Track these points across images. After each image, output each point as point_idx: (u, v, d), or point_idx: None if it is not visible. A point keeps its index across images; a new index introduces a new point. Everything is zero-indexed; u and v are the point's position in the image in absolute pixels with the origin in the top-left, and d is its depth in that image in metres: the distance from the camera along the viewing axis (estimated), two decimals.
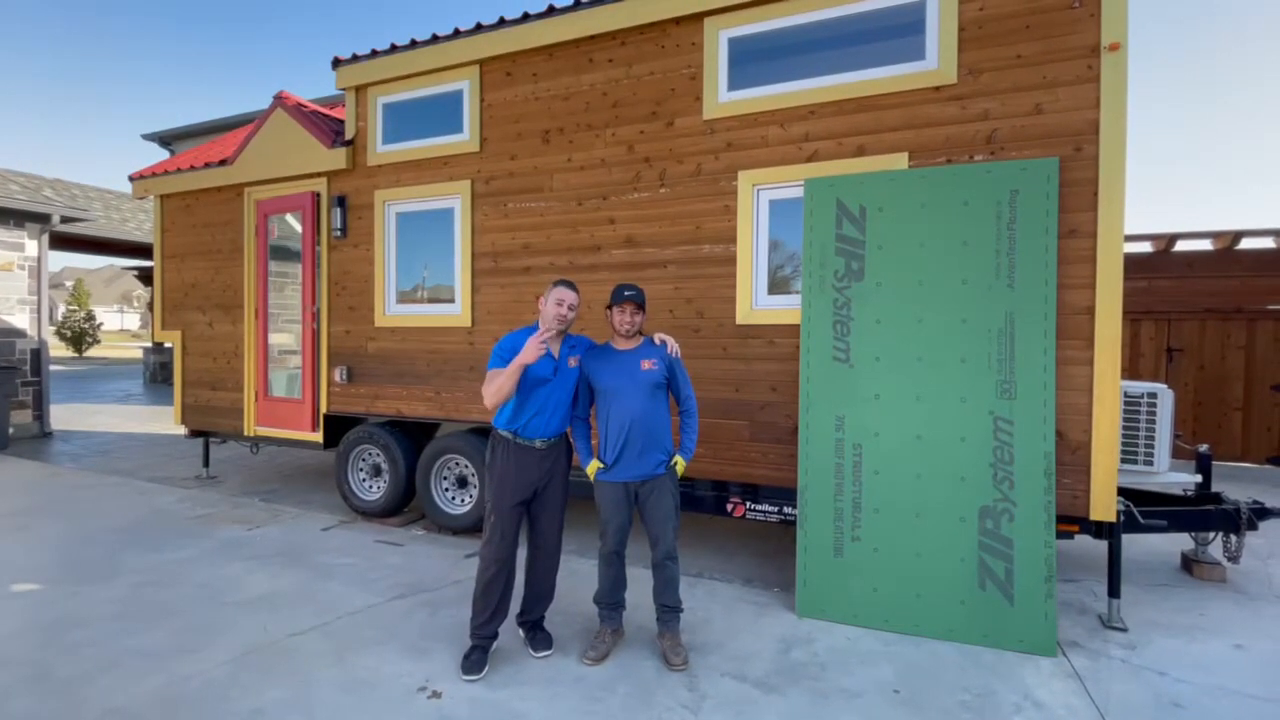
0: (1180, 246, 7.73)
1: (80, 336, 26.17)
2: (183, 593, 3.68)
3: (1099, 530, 3.38)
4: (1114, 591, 3.42)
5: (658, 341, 3.08)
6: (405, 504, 5.21)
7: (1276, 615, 3.57)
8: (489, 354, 2.97)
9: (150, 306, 15.71)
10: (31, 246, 9.00)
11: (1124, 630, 3.34)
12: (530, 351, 2.74)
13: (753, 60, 3.97)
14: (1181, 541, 4.37)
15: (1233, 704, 2.70)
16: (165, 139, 15.37)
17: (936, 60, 3.52)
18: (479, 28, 4.69)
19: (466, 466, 4.90)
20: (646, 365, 2.97)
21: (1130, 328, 7.63)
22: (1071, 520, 3.33)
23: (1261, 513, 3.84)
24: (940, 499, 3.32)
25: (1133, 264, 7.29)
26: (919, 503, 3.35)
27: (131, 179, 6.53)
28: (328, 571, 4.02)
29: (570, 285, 2.99)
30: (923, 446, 3.37)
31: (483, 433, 4.85)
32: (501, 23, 4.60)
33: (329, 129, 5.46)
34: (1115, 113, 3.18)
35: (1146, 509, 3.67)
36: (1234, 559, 3.93)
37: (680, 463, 3.03)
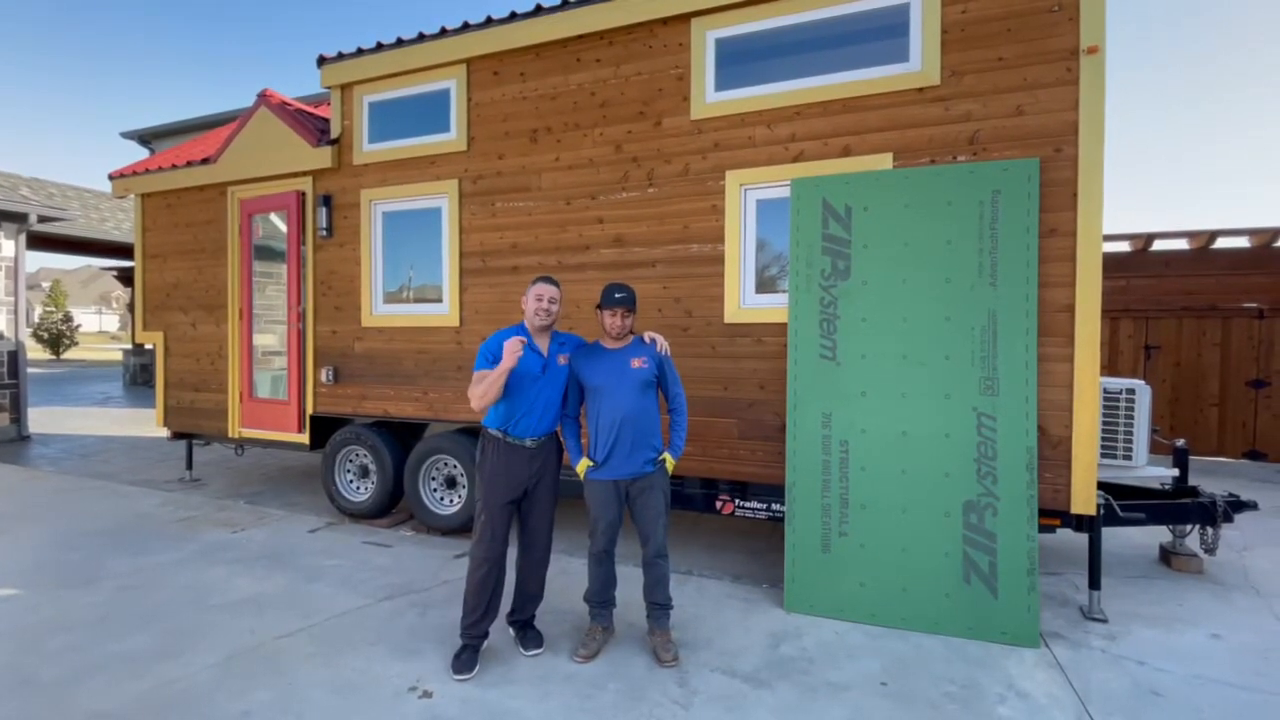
0: (1157, 246, 7.88)
1: (58, 338, 25.68)
2: (167, 596, 3.63)
3: (1079, 524, 3.44)
4: (1094, 583, 3.49)
5: (647, 340, 3.09)
6: (393, 505, 5.18)
7: (1252, 606, 3.66)
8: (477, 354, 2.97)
9: (130, 307, 15.45)
10: (8, 246, 8.82)
11: (1104, 621, 3.41)
12: (509, 357, 2.75)
13: (740, 61, 4.00)
14: (1160, 534, 4.47)
15: (1210, 692, 2.77)
16: (145, 137, 15.11)
17: (920, 62, 3.57)
18: (466, 26, 4.68)
19: (455, 467, 4.88)
20: (636, 363, 2.98)
21: (1109, 325, 7.76)
22: (1053, 514, 3.39)
23: (1237, 505, 3.93)
24: (925, 494, 3.36)
25: (1111, 263, 7.41)
26: (904, 498, 3.40)
27: (111, 177, 6.43)
28: (315, 573, 3.99)
29: (550, 280, 3.00)
30: (908, 443, 3.42)
31: (471, 433, 4.84)
32: (489, 22, 4.59)
33: (314, 127, 5.42)
34: (1094, 115, 3.24)
35: (1126, 503, 3.75)
36: (1210, 551, 4.02)
37: (670, 460, 3.05)
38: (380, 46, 4.98)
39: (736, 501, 4.05)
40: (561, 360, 3.04)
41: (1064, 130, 3.30)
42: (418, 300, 5.05)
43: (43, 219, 9.22)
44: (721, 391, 4.01)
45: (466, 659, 2.86)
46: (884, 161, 3.63)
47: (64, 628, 3.24)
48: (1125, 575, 4.08)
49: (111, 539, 4.59)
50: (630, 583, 3.37)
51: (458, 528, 4.76)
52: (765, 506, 3.95)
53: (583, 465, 3.04)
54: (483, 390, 2.81)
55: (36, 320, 26.60)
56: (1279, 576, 4.06)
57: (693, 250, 4.08)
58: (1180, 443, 4.30)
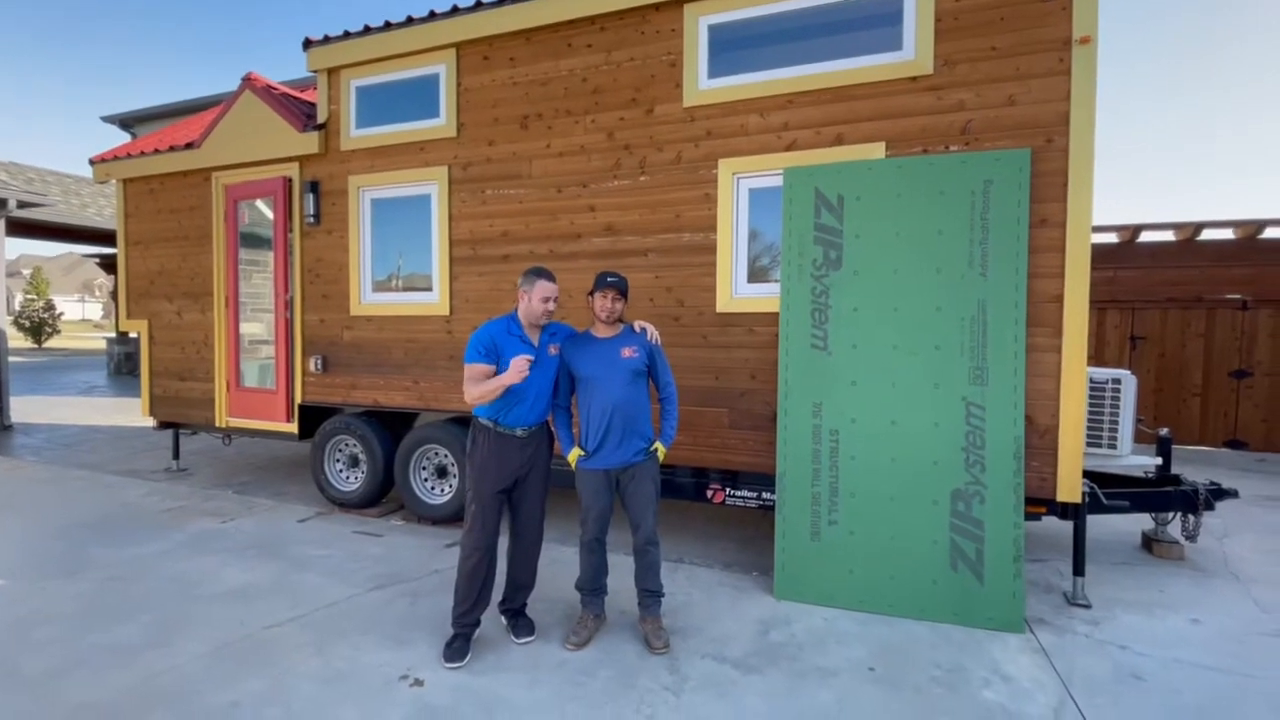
0: (1144, 238, 7.95)
1: (39, 327, 25.24)
2: (153, 587, 3.60)
3: (1065, 511, 3.49)
4: (1078, 570, 3.54)
5: (638, 329, 3.08)
6: (384, 494, 5.16)
7: (1230, 591, 3.73)
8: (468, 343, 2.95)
9: (114, 295, 15.20)
10: None
11: (1088, 607, 3.46)
12: (514, 375, 2.76)
13: (733, 48, 3.97)
14: (1142, 521, 4.54)
15: (1189, 675, 2.83)
16: (126, 121, 14.82)
17: (913, 51, 3.56)
18: (455, 10, 4.60)
19: (446, 456, 4.86)
20: (627, 353, 2.97)
21: (1096, 316, 7.84)
22: (1039, 502, 3.43)
23: (1218, 494, 4.00)
24: (914, 483, 3.39)
25: (1099, 254, 7.43)
26: (893, 487, 3.42)
27: (93, 162, 6.30)
28: (304, 563, 3.97)
29: (550, 276, 2.97)
30: (897, 432, 3.44)
31: (462, 422, 4.82)
32: (478, 5, 4.52)
33: (300, 112, 5.33)
34: (1085, 105, 3.24)
35: (1110, 491, 3.80)
36: (1192, 538, 4.10)
37: (660, 449, 3.05)
38: (368, 30, 4.89)
39: (727, 490, 4.06)
40: (552, 350, 3.02)
41: (1056, 121, 3.31)
42: (407, 289, 5.01)
43: (22, 204, 9.03)
44: (713, 381, 4.01)
45: (458, 647, 2.86)
46: (877, 151, 3.62)
47: (49, 619, 3.21)
48: (1108, 562, 4.14)
49: (97, 530, 4.55)
50: (621, 571, 3.38)
51: (448, 517, 4.75)
52: (756, 495, 3.98)
53: (574, 454, 3.03)
54: (479, 394, 2.82)
55: (17, 308, 26.13)
56: (1257, 563, 4.15)
57: (685, 239, 4.06)
58: (1164, 432, 4.36)
